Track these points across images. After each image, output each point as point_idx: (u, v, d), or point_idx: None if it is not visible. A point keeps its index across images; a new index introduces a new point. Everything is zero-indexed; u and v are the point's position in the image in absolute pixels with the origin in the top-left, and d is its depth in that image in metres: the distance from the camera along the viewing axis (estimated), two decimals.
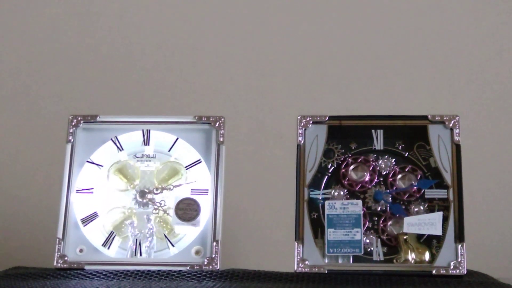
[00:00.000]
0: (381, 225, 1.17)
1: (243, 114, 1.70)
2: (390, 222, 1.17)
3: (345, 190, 1.18)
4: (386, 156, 1.19)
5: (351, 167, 1.19)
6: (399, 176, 1.18)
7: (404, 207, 1.17)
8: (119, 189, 1.22)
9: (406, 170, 1.18)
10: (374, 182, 1.18)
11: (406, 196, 1.17)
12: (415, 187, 1.17)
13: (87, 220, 1.20)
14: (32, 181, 1.71)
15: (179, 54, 1.76)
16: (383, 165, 1.19)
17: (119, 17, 1.79)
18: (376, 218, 1.17)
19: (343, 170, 1.19)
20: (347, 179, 1.18)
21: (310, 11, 1.75)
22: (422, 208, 1.16)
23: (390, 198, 1.18)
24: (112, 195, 1.22)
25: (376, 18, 1.74)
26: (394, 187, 1.18)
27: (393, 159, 1.19)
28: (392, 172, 1.18)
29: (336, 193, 1.18)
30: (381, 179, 1.19)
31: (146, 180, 1.22)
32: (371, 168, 1.19)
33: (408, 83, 1.71)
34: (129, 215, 1.21)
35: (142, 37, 1.77)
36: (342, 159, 1.19)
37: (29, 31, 1.79)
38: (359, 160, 1.19)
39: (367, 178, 1.18)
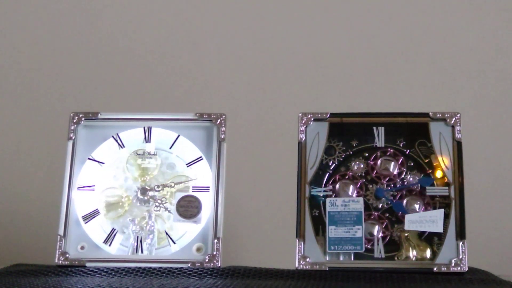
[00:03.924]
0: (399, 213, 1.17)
1: (244, 111, 1.70)
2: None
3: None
4: (355, 159, 1.20)
5: (338, 186, 1.19)
6: (379, 164, 1.18)
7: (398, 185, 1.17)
8: (119, 216, 1.22)
9: (380, 157, 1.19)
10: (363, 188, 1.18)
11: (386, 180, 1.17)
12: (415, 184, 1.17)
13: (88, 217, 1.20)
14: (33, 178, 1.71)
15: (181, 51, 1.76)
16: (356, 168, 1.19)
17: (120, 14, 1.79)
18: (388, 214, 1.17)
19: (372, 163, 1.18)
20: (375, 172, 1.18)
21: (311, 9, 1.75)
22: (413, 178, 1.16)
23: (391, 195, 1.18)
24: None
25: (377, 15, 1.74)
26: (387, 178, 1.18)
27: (360, 157, 1.19)
28: (370, 168, 1.18)
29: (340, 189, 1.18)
30: (364, 181, 1.19)
31: (146, 178, 1.22)
32: (350, 177, 1.19)
33: (409, 80, 1.71)
34: (126, 202, 1.21)
35: (144, 34, 1.77)
36: (343, 156, 1.19)
37: (30, 28, 1.79)
38: (342, 180, 1.19)
39: (355, 192, 1.18)
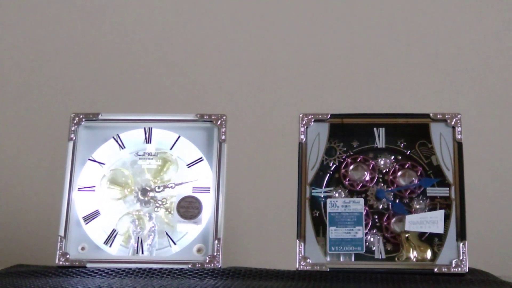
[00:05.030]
0: (385, 223, 1.17)
1: (245, 112, 1.70)
2: (393, 220, 1.17)
3: (346, 191, 1.18)
4: (385, 154, 1.19)
5: (351, 167, 1.19)
6: (399, 173, 1.18)
7: (406, 202, 1.17)
8: (116, 198, 1.22)
9: (406, 167, 1.18)
10: (374, 180, 1.18)
11: (407, 193, 1.17)
12: (417, 185, 1.17)
13: (89, 218, 1.20)
14: (34, 179, 1.71)
15: (181, 52, 1.76)
16: (383, 163, 1.19)
17: (121, 14, 1.79)
18: (377, 216, 1.17)
19: (343, 171, 1.18)
20: (347, 179, 1.18)
21: (312, 9, 1.75)
22: (423, 204, 1.16)
23: (392, 196, 1.17)
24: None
25: (378, 16, 1.74)
26: (395, 185, 1.18)
27: (392, 157, 1.19)
28: (392, 170, 1.18)
29: (337, 194, 1.18)
30: (381, 177, 1.18)
31: (145, 179, 1.22)
32: (371, 167, 1.18)
33: (410, 81, 1.71)
34: (138, 217, 1.21)
35: (144, 35, 1.77)
36: (343, 157, 1.19)
37: (31, 29, 1.79)
38: (358, 160, 1.19)
39: (367, 177, 1.18)
